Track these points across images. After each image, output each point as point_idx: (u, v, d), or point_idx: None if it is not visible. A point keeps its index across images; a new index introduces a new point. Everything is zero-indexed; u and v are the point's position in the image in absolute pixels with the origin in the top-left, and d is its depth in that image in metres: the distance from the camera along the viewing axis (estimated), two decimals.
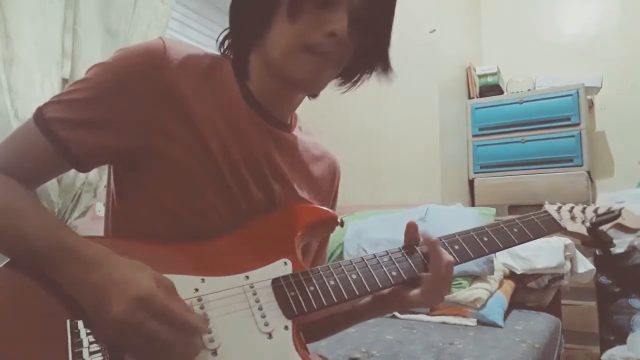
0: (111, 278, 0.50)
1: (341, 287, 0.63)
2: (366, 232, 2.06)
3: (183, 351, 0.50)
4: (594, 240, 0.84)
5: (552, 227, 0.82)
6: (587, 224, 0.84)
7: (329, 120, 2.71)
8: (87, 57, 1.44)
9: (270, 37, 0.66)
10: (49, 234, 0.55)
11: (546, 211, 0.85)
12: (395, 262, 0.68)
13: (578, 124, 2.54)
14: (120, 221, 0.68)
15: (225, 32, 0.73)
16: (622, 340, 2.21)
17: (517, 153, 2.67)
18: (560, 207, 0.88)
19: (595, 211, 0.87)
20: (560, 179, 2.51)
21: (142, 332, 0.47)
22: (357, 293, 0.63)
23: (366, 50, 0.71)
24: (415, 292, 0.67)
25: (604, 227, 0.84)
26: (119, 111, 0.62)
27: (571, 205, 0.89)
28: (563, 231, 0.84)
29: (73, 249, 0.53)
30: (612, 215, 0.84)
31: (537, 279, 1.95)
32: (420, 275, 0.68)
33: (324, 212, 0.74)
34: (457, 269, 1.95)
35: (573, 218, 0.86)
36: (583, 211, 0.87)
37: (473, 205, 2.73)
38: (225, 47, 0.73)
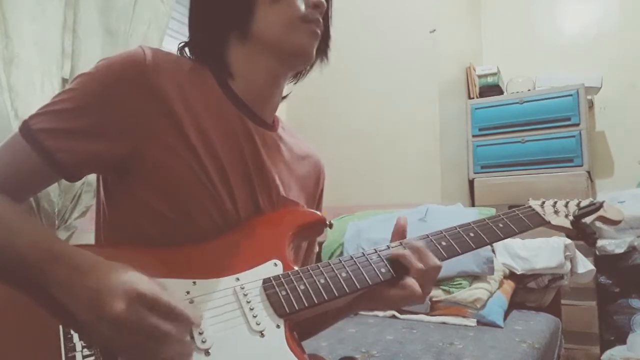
0: (106, 280, 0.50)
1: (331, 285, 0.63)
2: (366, 232, 2.06)
3: (179, 349, 0.50)
4: (578, 232, 0.86)
5: (536, 221, 0.84)
6: (570, 217, 0.86)
7: (330, 120, 2.71)
8: (87, 57, 1.44)
9: (259, 22, 0.69)
10: (38, 243, 0.54)
11: (530, 206, 0.87)
12: (384, 259, 0.69)
13: (578, 124, 2.54)
14: (112, 230, 0.69)
15: (181, 45, 0.75)
16: (622, 340, 2.21)
17: (517, 153, 2.67)
18: (543, 202, 0.90)
19: (577, 205, 0.89)
20: (560, 179, 2.51)
21: (142, 328, 0.47)
22: (347, 290, 0.64)
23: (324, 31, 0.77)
24: (398, 291, 0.67)
25: (587, 220, 0.86)
26: (106, 119, 0.62)
27: (554, 200, 0.91)
28: (547, 225, 0.86)
29: (63, 256, 0.53)
30: (593, 208, 0.86)
31: (537, 279, 1.95)
32: (405, 278, 0.67)
33: (312, 215, 0.75)
34: (456, 268, 1.95)
35: (557, 212, 0.87)
36: (566, 205, 0.89)
37: (473, 205, 2.74)
38: (188, 54, 0.74)
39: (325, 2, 0.72)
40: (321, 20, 0.72)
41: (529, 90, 2.78)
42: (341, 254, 2.09)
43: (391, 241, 0.73)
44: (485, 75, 2.92)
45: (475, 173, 2.78)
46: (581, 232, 0.85)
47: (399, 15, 2.60)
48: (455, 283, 1.77)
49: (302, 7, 0.70)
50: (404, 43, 2.57)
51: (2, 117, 1.29)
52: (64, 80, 1.45)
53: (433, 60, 2.52)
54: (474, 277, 1.79)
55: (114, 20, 1.52)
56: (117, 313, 0.47)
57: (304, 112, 2.54)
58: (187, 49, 0.75)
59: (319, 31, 0.72)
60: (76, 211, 1.46)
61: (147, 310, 0.48)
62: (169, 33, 2.04)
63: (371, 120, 2.64)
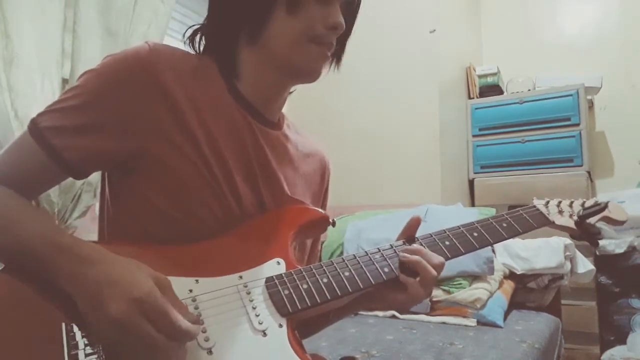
0: (109, 276, 0.50)
1: (334, 284, 0.63)
2: (366, 232, 2.06)
3: (177, 353, 0.50)
4: (582, 232, 0.85)
5: (541, 221, 0.83)
6: (575, 217, 0.85)
7: (330, 120, 2.71)
8: (87, 57, 1.44)
9: (270, 31, 0.67)
10: (45, 235, 0.55)
11: (534, 206, 0.86)
12: (387, 259, 0.69)
13: (578, 124, 2.54)
14: (115, 226, 0.69)
15: (194, 28, 0.73)
16: (622, 340, 2.21)
17: (517, 153, 2.67)
18: (548, 202, 0.89)
19: (582, 205, 0.88)
20: (560, 179, 2.51)
21: (138, 333, 0.48)
22: (350, 290, 0.64)
23: (341, 42, 0.75)
24: (399, 295, 0.68)
25: (592, 220, 0.85)
26: (111, 114, 0.62)
27: (558, 199, 0.90)
28: (551, 225, 0.85)
29: (69, 248, 0.54)
30: (598, 208, 0.85)
31: (537, 279, 1.95)
32: (407, 279, 0.67)
33: (315, 213, 0.74)
34: (456, 268, 1.94)
35: (561, 212, 0.87)
36: (570, 205, 0.89)
37: (473, 205, 2.74)
38: (198, 44, 0.73)
39: (344, 25, 0.68)
40: (334, 43, 0.70)
41: (529, 90, 2.78)
42: (341, 253, 2.09)
43: (397, 239, 0.73)
44: (485, 75, 2.92)
45: (475, 173, 2.78)
46: (585, 232, 0.84)
47: (399, 15, 2.60)
48: (455, 283, 1.77)
49: (318, 27, 0.66)
50: (404, 43, 2.57)
51: (2, 117, 1.29)
52: (64, 80, 1.45)
53: (433, 60, 2.52)
54: (474, 277, 1.79)
55: (114, 20, 1.51)
56: (113, 314, 0.47)
57: (303, 112, 2.53)
58: (197, 37, 0.73)
59: (329, 54, 0.70)
60: (76, 211, 1.46)
61: (143, 317, 0.48)
62: (169, 33, 2.04)
63: (371, 120, 2.63)
